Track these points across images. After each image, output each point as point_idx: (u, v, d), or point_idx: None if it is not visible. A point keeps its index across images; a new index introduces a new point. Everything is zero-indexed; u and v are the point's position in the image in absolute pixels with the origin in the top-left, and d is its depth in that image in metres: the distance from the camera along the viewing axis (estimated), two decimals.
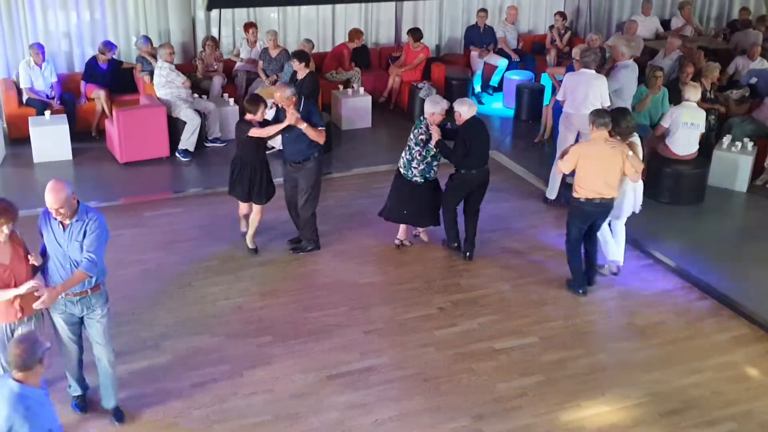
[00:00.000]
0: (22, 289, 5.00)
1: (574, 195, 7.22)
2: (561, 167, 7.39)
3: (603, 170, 6.99)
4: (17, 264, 5.10)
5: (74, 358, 5.66)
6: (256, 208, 7.94)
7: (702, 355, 6.67)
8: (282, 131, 7.63)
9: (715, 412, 5.98)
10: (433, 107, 7.61)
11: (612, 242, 7.70)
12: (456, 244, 8.16)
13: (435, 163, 7.81)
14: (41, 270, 5.29)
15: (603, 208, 7.19)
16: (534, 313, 7.22)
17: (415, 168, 7.77)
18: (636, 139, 7.36)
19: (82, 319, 5.46)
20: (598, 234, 7.51)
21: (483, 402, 6.00)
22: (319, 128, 7.64)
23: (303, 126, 7.50)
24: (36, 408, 4.03)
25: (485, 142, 7.88)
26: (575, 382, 6.28)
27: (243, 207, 8.11)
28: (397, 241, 8.26)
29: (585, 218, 7.25)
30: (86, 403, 5.82)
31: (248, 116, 7.64)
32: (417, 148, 7.69)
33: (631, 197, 7.46)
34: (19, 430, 3.95)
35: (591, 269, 7.62)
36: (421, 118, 7.81)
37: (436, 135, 7.59)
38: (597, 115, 7.07)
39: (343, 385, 6.16)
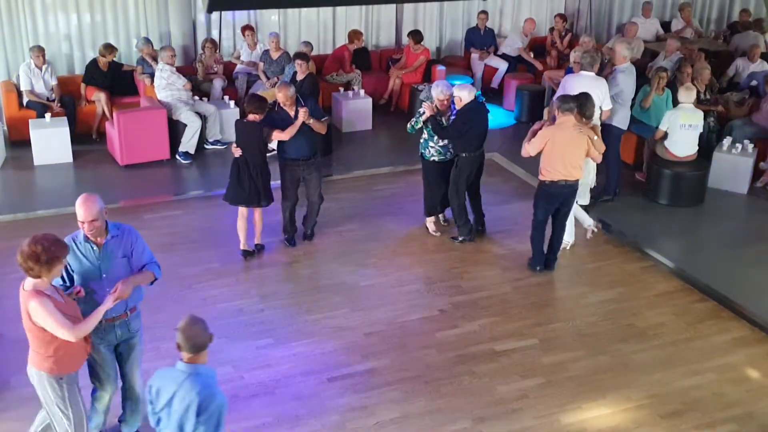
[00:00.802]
0: (110, 303, 4.69)
1: (540, 177, 7.53)
2: (528, 149, 7.55)
3: (569, 153, 7.32)
4: (70, 300, 4.76)
5: (112, 391, 5.25)
6: (258, 212, 7.91)
7: (703, 356, 6.67)
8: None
9: (716, 414, 5.98)
10: (435, 91, 8.05)
11: (571, 225, 8.16)
12: (468, 238, 8.38)
13: (431, 143, 8.14)
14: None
15: (568, 189, 7.49)
16: (535, 315, 7.22)
17: (432, 147, 8.18)
18: (597, 121, 7.91)
19: (117, 347, 5.16)
20: (575, 213, 8.02)
21: (484, 404, 6.00)
22: (323, 120, 7.91)
23: (311, 121, 7.69)
24: (214, 386, 4.06)
25: (484, 125, 8.19)
26: (576, 384, 6.28)
27: (244, 216, 7.89)
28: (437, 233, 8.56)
29: (551, 199, 7.57)
30: None
31: (252, 117, 7.62)
32: (413, 119, 8.20)
33: (587, 180, 8.06)
34: (209, 406, 3.97)
35: (551, 254, 7.88)
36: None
37: (428, 111, 7.92)
38: (562, 100, 7.38)
39: (344, 387, 6.16)
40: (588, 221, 8.37)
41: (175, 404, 4.07)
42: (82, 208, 4.78)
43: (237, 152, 7.64)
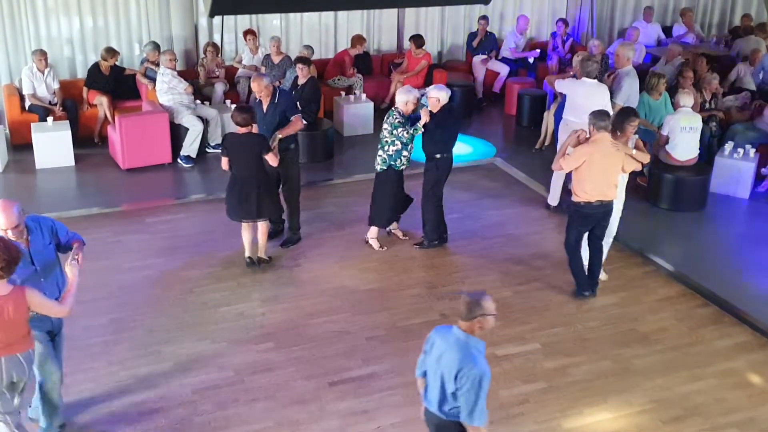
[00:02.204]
0: (76, 272, 5.05)
1: (574, 199, 7.19)
2: (563, 165, 7.16)
3: (606, 172, 7.00)
4: None
5: (60, 378, 5.40)
6: (262, 226, 7.78)
7: (704, 361, 6.66)
8: (258, 123, 7.69)
9: (718, 419, 5.96)
10: (406, 96, 7.93)
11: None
12: (436, 243, 8.38)
13: (404, 152, 8.00)
14: None
15: (602, 210, 7.17)
16: (536, 319, 7.21)
17: (404, 156, 8.03)
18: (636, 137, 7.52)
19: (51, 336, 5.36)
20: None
21: None
22: (293, 119, 7.89)
23: (286, 134, 7.83)
24: (478, 356, 4.24)
25: (457, 127, 8.30)
26: (577, 389, 6.27)
27: (246, 228, 7.77)
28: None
29: (585, 221, 7.24)
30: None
31: (244, 129, 7.37)
32: (399, 129, 7.85)
33: (621, 199, 7.51)
34: (468, 373, 4.16)
35: (591, 279, 7.53)
36: (393, 108, 8.07)
37: (425, 117, 7.86)
38: (597, 117, 7.03)
39: (344, 391, 6.15)
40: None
41: (441, 362, 4.33)
42: (3, 217, 4.91)
43: (225, 165, 7.53)
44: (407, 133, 7.87)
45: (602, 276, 7.72)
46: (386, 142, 7.95)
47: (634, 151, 7.12)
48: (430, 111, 7.89)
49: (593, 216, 7.19)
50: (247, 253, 7.87)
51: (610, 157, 6.96)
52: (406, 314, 7.21)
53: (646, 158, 7.27)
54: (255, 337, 6.81)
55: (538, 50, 13.70)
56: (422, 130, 7.92)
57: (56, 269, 5.29)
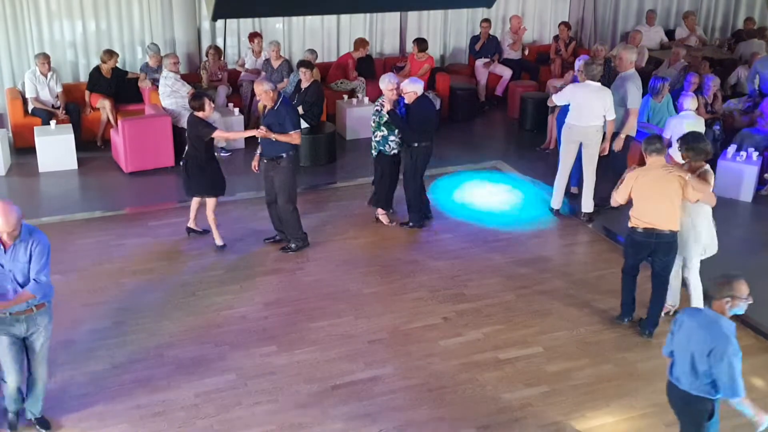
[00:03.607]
0: None
1: (629, 224, 6.80)
2: (616, 197, 6.85)
3: (656, 198, 6.55)
4: None
5: (15, 381, 5.45)
6: (210, 203, 8.18)
7: None
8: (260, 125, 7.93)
9: (721, 423, 5.92)
10: (382, 83, 8.42)
11: (675, 286, 7.19)
12: (420, 224, 8.87)
13: (392, 137, 8.50)
14: None
15: (657, 240, 6.64)
16: (539, 323, 7.20)
17: (392, 141, 8.56)
18: (707, 166, 6.79)
19: (24, 339, 5.37)
20: (694, 282, 6.99)
21: (488, 413, 5.98)
22: (291, 132, 7.84)
23: (272, 137, 7.80)
24: (731, 336, 4.58)
25: (434, 117, 8.80)
26: (580, 392, 6.26)
27: (195, 203, 8.38)
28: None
29: (637, 249, 6.81)
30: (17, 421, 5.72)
31: (199, 113, 7.91)
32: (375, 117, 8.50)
33: (700, 233, 6.84)
34: (721, 352, 4.51)
35: (649, 317, 7.01)
36: (379, 98, 8.64)
37: (387, 105, 8.33)
38: (648, 142, 6.65)
39: (347, 395, 6.15)
40: (672, 299, 7.26)
41: (692, 342, 4.65)
42: (2, 219, 4.91)
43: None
44: (373, 121, 8.48)
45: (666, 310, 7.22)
46: (374, 129, 8.58)
47: (688, 176, 6.50)
48: (406, 104, 8.38)
49: (644, 245, 6.73)
50: (217, 241, 8.39)
51: (660, 182, 6.52)
52: (409, 318, 7.21)
53: (707, 188, 6.58)
54: (257, 341, 6.80)
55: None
56: (386, 117, 8.36)
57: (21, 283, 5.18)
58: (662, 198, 6.53)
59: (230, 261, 8.12)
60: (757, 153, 9.87)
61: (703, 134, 7.14)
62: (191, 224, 8.54)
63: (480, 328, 7.07)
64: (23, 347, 5.40)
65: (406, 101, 8.42)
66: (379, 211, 8.96)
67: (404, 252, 8.45)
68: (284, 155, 7.91)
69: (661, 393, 6.22)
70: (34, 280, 5.14)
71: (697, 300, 6.95)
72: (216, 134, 7.97)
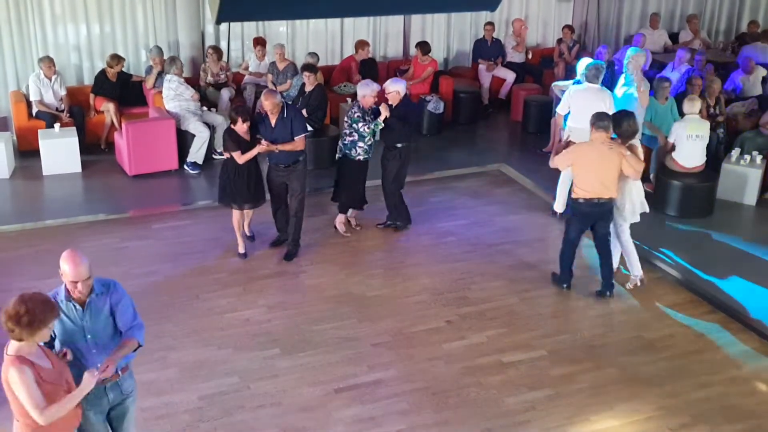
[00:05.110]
0: (90, 386, 4.08)
1: (573, 196, 7.39)
2: (556, 162, 7.52)
3: (600, 171, 7.14)
4: (60, 363, 4.20)
5: None
6: (247, 211, 8.24)
7: (711, 368, 6.63)
8: (265, 136, 7.85)
9: (725, 427, 5.93)
10: (364, 90, 8.28)
11: (635, 255, 7.70)
12: (404, 224, 8.88)
13: (360, 143, 8.33)
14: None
15: (601, 209, 7.29)
16: (542, 326, 7.20)
17: (360, 147, 8.38)
18: (636, 141, 7.47)
19: (109, 411, 4.68)
20: (626, 245, 7.61)
21: (491, 416, 5.97)
22: (296, 139, 7.86)
23: (276, 149, 7.80)
24: None
25: (415, 116, 8.90)
26: (584, 396, 6.25)
27: (238, 217, 8.19)
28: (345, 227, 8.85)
29: (584, 218, 7.41)
30: None
31: (234, 126, 7.84)
32: (360, 124, 8.25)
33: (632, 198, 7.44)
34: None
35: (604, 281, 7.61)
36: (353, 102, 8.63)
37: (384, 112, 8.26)
38: (598, 117, 7.23)
39: (350, 398, 6.14)
40: (636, 271, 7.79)
41: None
42: (75, 267, 4.27)
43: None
44: (368, 127, 8.26)
45: (633, 283, 7.79)
46: (344, 132, 8.38)
47: (627, 153, 7.14)
48: (390, 105, 8.30)
49: (589, 214, 7.34)
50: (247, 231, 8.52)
51: (603, 157, 7.12)
52: (412, 321, 7.21)
53: (639, 165, 7.20)
54: (261, 344, 6.80)
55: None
56: (383, 125, 8.29)
57: (113, 344, 4.47)
58: (605, 171, 7.13)
59: (233, 264, 8.12)
60: (761, 156, 9.85)
61: (628, 113, 7.50)
62: (246, 231, 8.50)
63: (483, 331, 7.07)
64: (108, 421, 4.71)
65: (390, 102, 8.36)
66: (339, 218, 8.81)
67: (407, 255, 8.45)
68: (300, 159, 8.00)
69: (666, 396, 6.24)
70: (133, 326, 4.49)
71: (635, 262, 7.69)
72: (235, 155, 7.83)
